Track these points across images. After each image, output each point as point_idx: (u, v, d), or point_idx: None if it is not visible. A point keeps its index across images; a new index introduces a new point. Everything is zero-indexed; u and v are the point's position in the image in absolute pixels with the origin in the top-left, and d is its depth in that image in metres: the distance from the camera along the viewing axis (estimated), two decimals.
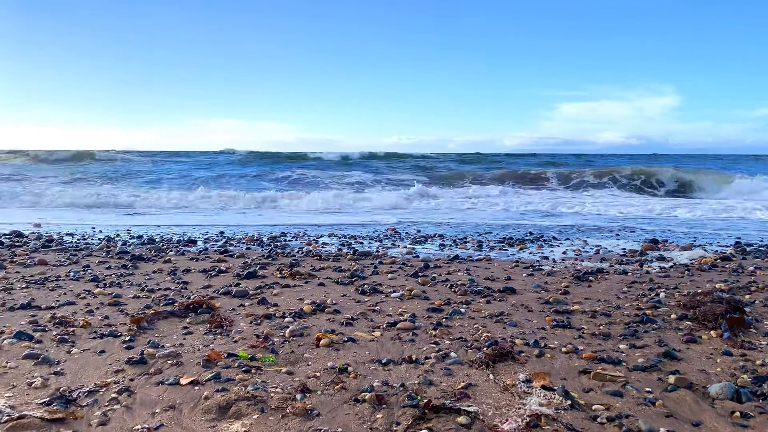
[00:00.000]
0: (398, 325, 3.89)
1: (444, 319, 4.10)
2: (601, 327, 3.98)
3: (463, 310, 4.33)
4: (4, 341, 3.50)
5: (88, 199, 15.18)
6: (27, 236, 8.41)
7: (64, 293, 4.78)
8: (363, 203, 15.18)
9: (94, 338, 3.64)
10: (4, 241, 7.72)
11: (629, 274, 5.89)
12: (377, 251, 7.30)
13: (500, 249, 7.69)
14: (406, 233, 9.35)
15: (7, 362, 3.18)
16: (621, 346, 3.57)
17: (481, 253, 7.32)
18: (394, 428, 2.49)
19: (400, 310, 4.36)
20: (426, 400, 2.68)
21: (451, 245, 7.98)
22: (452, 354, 3.38)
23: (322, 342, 3.53)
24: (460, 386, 2.91)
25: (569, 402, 2.72)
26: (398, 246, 7.88)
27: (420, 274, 5.68)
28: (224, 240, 8.37)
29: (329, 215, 12.69)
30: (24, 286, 5.02)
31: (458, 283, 5.25)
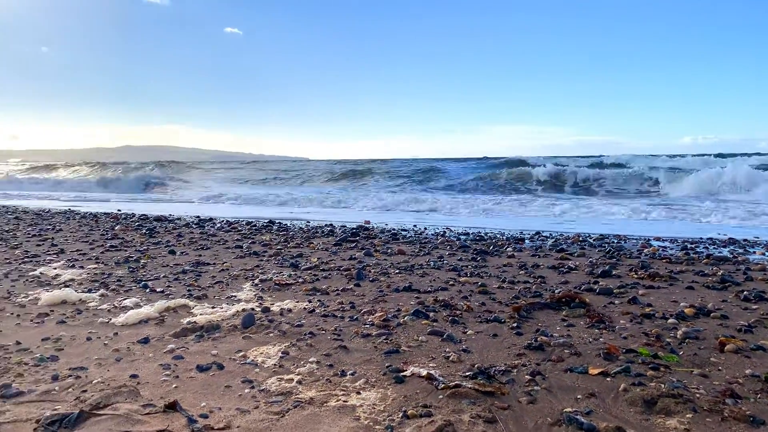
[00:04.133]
0: None
1: None
2: None
3: None
4: (405, 317, 3.90)
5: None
6: (371, 230, 9.42)
7: (433, 279, 5.19)
8: None
9: (481, 322, 3.85)
10: (359, 233, 8.77)
11: None
12: (734, 257, 6.53)
13: None
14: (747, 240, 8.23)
15: (417, 336, 3.52)
16: None
17: None
18: None
19: None
20: None
21: None
22: None
23: (727, 347, 3.21)
24: None
25: None
26: (754, 252, 6.97)
27: None
28: (553, 240, 8.34)
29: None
30: (397, 271, 5.58)
31: None
